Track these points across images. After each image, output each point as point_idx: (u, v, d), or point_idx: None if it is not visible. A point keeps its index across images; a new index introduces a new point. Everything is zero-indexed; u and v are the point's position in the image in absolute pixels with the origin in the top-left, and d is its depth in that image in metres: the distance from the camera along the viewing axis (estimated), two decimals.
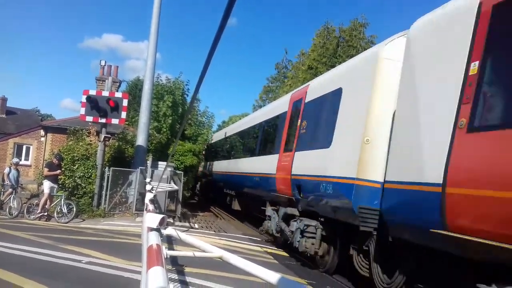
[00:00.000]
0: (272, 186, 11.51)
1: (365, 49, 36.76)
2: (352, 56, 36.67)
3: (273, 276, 2.55)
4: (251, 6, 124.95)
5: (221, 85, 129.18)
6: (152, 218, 3.43)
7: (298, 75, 45.19)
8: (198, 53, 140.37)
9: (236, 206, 18.72)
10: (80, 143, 17.24)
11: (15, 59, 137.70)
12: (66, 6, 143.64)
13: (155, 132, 19.53)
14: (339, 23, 41.14)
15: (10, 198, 14.79)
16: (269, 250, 11.53)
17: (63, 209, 13.84)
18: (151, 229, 3.28)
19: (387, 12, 77.79)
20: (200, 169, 26.32)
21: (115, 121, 15.21)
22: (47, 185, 14.22)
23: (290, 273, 8.68)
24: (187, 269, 7.45)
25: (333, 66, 37.34)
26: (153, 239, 2.91)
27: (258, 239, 13.60)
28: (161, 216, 3.44)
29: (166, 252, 2.91)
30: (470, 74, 4.86)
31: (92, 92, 15.25)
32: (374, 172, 6.79)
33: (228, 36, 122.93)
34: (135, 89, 36.98)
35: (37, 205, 14.22)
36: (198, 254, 3.32)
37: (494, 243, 4.20)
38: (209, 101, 78.44)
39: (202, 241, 3.60)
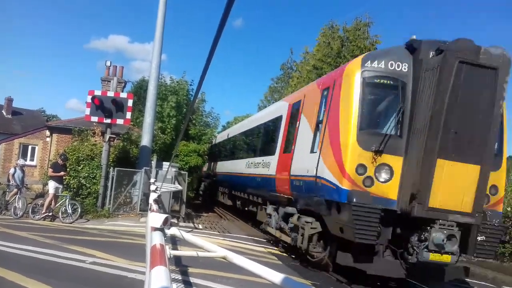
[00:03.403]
0: None
1: (369, 50, 36.68)
2: (356, 56, 36.62)
3: (277, 277, 2.52)
4: (256, 6, 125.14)
5: (225, 85, 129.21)
6: (155, 218, 3.41)
7: (303, 75, 45.15)
8: (203, 53, 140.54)
9: None
10: (85, 144, 17.27)
11: (20, 59, 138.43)
12: (73, 7, 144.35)
13: (159, 133, 19.56)
14: (343, 22, 40.87)
15: (15, 198, 14.80)
16: (273, 251, 11.51)
17: (67, 209, 13.86)
18: (155, 229, 3.26)
19: (392, 11, 77.60)
20: (204, 169, 26.20)
21: (120, 121, 15.22)
22: (52, 185, 14.26)
23: (294, 274, 8.65)
24: (190, 270, 7.43)
25: (337, 66, 37.35)
26: (156, 238, 2.89)
27: (262, 240, 13.56)
28: (164, 215, 3.42)
29: (169, 252, 2.89)
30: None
31: (98, 93, 15.27)
32: None
33: (233, 37, 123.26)
34: (140, 90, 37.00)
35: (42, 205, 14.26)
36: (201, 254, 3.29)
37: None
38: (213, 102, 78.67)
39: (206, 241, 3.58)
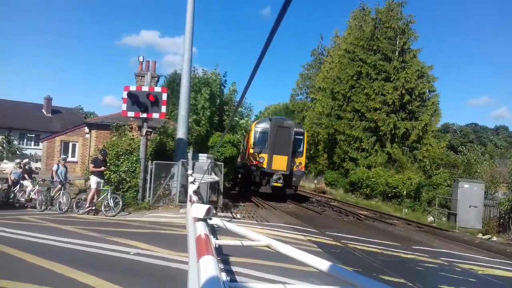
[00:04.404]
0: None
1: (403, 30, 35.71)
2: (390, 37, 35.78)
3: (323, 264, 2.50)
4: None
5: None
6: (198, 209, 3.43)
7: (335, 60, 44.48)
8: (233, 44, 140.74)
9: None
10: (123, 138, 17.61)
11: (56, 59, 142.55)
12: (104, 5, 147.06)
13: (194, 125, 19.73)
14: (375, 4, 39.90)
15: (59, 194, 15.29)
16: (312, 239, 11.47)
17: (109, 203, 14.23)
18: (198, 219, 3.29)
19: None
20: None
21: (155, 115, 15.42)
22: (93, 180, 14.64)
23: (335, 261, 8.59)
24: (232, 259, 7.50)
25: (371, 49, 36.70)
26: (200, 229, 2.91)
27: (301, 227, 13.54)
28: (207, 206, 3.44)
29: (214, 241, 2.91)
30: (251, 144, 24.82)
31: (133, 88, 15.51)
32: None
33: (263, 26, 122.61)
34: (172, 83, 37.42)
35: (85, 200, 14.67)
36: (245, 243, 3.30)
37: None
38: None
39: (249, 230, 3.59)
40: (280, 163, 23.10)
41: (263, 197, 23.32)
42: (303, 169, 25.55)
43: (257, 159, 23.29)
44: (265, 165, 23.21)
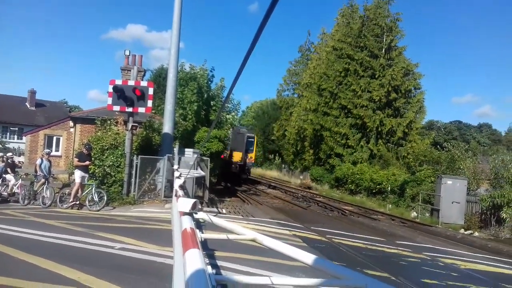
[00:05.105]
0: None
1: (390, 28, 35.91)
2: (377, 35, 35.94)
3: (309, 257, 2.52)
4: None
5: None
6: (184, 203, 3.44)
7: (322, 57, 44.58)
8: (221, 39, 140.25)
9: None
10: (109, 133, 17.46)
11: (41, 53, 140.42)
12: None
13: (181, 120, 19.63)
14: (363, 1, 39.93)
15: (43, 188, 15.11)
16: (298, 234, 11.53)
17: (94, 197, 14.12)
18: (184, 213, 3.29)
19: None
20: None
21: (141, 110, 15.31)
22: (78, 174, 14.49)
23: (320, 255, 8.65)
24: (218, 253, 7.49)
25: (358, 46, 36.87)
26: (186, 222, 2.91)
27: (286, 222, 13.60)
28: (193, 200, 3.44)
29: (200, 235, 2.92)
30: None
31: (118, 82, 15.36)
32: None
33: (251, 22, 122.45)
34: (159, 78, 37.20)
35: (69, 194, 14.54)
36: (231, 236, 3.31)
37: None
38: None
39: (235, 224, 3.60)
40: (237, 157, 32.87)
41: (249, 193, 23.37)
42: (253, 161, 37.21)
43: (224, 155, 29.94)
44: (227, 158, 31.26)
